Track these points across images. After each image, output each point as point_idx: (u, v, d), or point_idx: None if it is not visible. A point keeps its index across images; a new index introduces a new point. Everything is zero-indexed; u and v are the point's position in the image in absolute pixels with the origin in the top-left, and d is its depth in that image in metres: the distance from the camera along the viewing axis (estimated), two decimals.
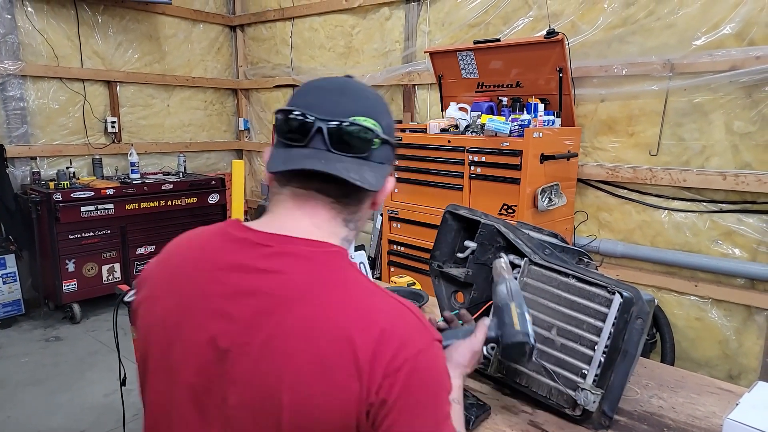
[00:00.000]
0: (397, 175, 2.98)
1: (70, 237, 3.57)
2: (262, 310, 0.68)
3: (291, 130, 0.74)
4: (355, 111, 0.74)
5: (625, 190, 2.84)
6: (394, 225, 3.04)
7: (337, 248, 0.75)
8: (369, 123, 0.74)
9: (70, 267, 3.59)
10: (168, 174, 4.45)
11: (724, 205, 2.56)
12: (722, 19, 2.45)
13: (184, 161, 4.49)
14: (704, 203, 2.61)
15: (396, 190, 3.01)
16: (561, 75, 2.66)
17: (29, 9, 3.77)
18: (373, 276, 1.95)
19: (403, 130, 3.01)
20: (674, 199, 2.69)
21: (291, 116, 0.74)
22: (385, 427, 0.64)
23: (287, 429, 0.65)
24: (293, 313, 0.66)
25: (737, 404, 0.93)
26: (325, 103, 0.75)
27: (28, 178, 3.83)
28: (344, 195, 0.76)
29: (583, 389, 1.03)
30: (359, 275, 0.73)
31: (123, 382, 2.03)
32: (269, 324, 0.67)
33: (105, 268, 3.77)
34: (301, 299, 0.67)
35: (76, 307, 3.66)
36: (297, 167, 0.72)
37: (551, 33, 2.57)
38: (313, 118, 0.73)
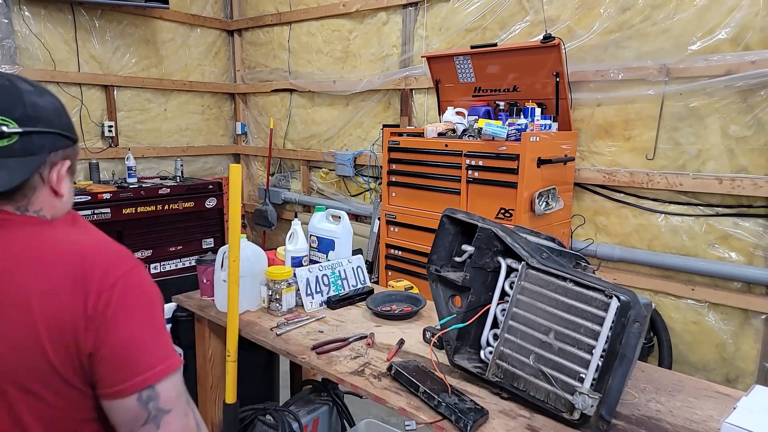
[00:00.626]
0: (394, 179, 2.99)
1: None
2: None
3: None
4: None
5: (622, 194, 2.85)
6: (392, 229, 3.04)
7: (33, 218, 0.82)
8: None
9: None
10: (165, 178, 4.44)
11: (720, 209, 2.57)
12: (717, 24, 2.47)
13: (182, 165, 4.49)
14: (700, 207, 2.62)
15: (393, 194, 3.01)
16: (558, 79, 2.67)
17: (26, 13, 3.77)
18: (370, 280, 1.95)
19: (400, 134, 3.02)
20: (671, 203, 2.70)
21: None
22: (107, 337, 0.76)
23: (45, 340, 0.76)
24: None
25: (735, 408, 0.93)
26: None
27: None
28: (6, 195, 0.80)
29: (580, 393, 1.03)
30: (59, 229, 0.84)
31: None
32: None
33: None
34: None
35: None
36: None
37: (548, 38, 2.58)
38: None
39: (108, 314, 0.77)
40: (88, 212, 3.60)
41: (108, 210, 3.70)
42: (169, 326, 1.80)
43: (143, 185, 4.01)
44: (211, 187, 4.33)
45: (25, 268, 0.76)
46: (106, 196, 3.70)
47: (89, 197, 3.62)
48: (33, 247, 0.79)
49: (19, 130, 0.76)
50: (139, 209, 3.87)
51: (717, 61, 2.46)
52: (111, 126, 4.22)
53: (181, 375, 0.84)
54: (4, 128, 0.75)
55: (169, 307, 1.80)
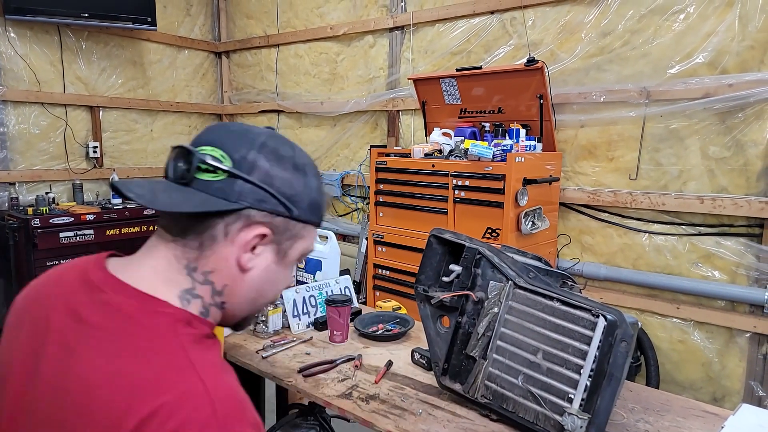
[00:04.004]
0: (382, 199, 2.99)
1: (48, 264, 3.49)
2: (55, 361, 0.62)
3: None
4: (207, 141, 0.68)
5: (607, 214, 2.89)
6: (379, 249, 3.03)
7: (170, 311, 0.64)
8: (215, 152, 0.67)
9: None
10: None
11: (702, 228, 2.61)
12: (695, 48, 2.54)
13: None
14: (683, 226, 2.66)
15: (381, 214, 3.02)
16: (541, 101, 2.71)
17: (12, 35, 3.75)
18: (358, 301, 1.93)
19: (387, 155, 3.03)
20: (654, 222, 2.74)
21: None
22: None
23: None
24: (80, 380, 0.60)
25: (722, 428, 0.93)
26: (215, 136, 0.69)
27: (6, 204, 3.76)
28: (182, 231, 0.67)
29: (569, 414, 1.03)
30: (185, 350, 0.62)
31: None
32: (60, 383, 0.61)
33: None
34: (100, 357, 0.60)
35: None
36: (124, 191, 0.66)
37: (531, 61, 2.64)
38: (180, 146, 0.68)
39: None
40: (71, 234, 3.55)
41: (91, 231, 3.64)
42: None
43: (128, 206, 3.97)
44: None
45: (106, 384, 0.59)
46: (90, 217, 3.65)
47: (72, 218, 3.56)
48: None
49: (229, 169, 0.66)
50: (123, 230, 3.82)
51: (695, 84, 2.52)
52: (96, 147, 4.19)
53: None
54: (217, 163, 0.65)
55: None
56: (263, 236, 0.68)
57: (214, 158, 0.66)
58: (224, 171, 0.66)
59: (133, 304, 0.63)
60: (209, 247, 0.67)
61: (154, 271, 0.67)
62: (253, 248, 0.69)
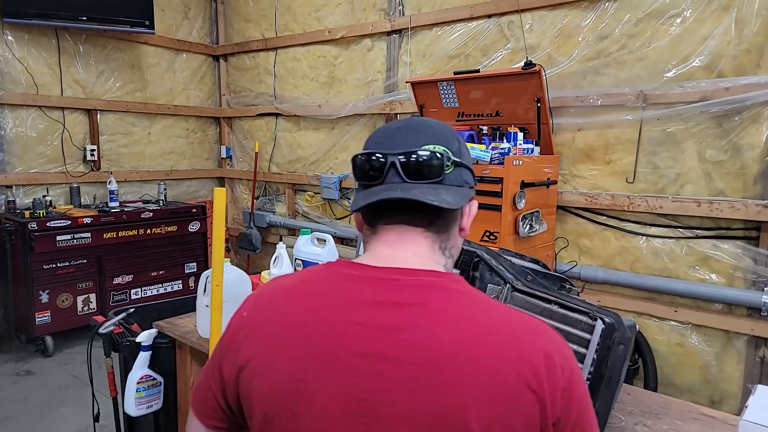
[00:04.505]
0: None
1: (45, 267, 3.48)
2: (414, 343, 0.67)
3: (366, 171, 0.78)
4: (423, 141, 0.78)
5: (604, 217, 2.89)
6: None
7: (456, 276, 0.76)
8: (438, 149, 0.77)
9: (44, 298, 3.49)
10: (148, 202, 4.39)
11: (699, 231, 2.61)
12: (691, 52, 2.55)
13: (165, 189, 4.45)
14: (680, 229, 2.67)
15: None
16: (539, 105, 2.72)
17: (9, 38, 3.75)
18: None
19: None
20: (651, 225, 2.74)
21: (363, 158, 0.78)
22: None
23: None
24: (451, 343, 0.66)
25: (746, 407, 1.01)
26: (394, 140, 0.79)
27: (3, 207, 3.75)
28: (431, 222, 0.78)
29: None
30: (492, 300, 0.78)
31: (96, 418, 1.96)
32: (427, 356, 0.66)
33: (80, 298, 3.67)
34: (454, 326, 0.68)
35: (48, 340, 3.54)
36: (376, 199, 0.74)
37: (529, 64, 2.64)
38: (383, 154, 0.77)
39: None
40: (68, 237, 3.54)
41: (88, 235, 3.64)
42: (149, 353, 1.76)
43: (125, 209, 3.97)
44: (194, 210, 4.29)
45: (516, 333, 0.70)
46: (87, 220, 3.65)
47: (69, 222, 3.56)
48: (504, 312, 0.74)
49: (457, 160, 0.79)
50: (121, 233, 3.82)
51: (692, 88, 2.53)
52: (93, 150, 4.18)
53: None
54: (449, 155, 0.78)
55: (150, 334, 1.76)
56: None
57: (443, 152, 0.78)
58: (453, 163, 0.79)
59: (437, 279, 0.74)
60: (450, 228, 0.81)
61: (420, 257, 0.77)
62: None
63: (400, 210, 0.77)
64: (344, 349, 0.69)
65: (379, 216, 0.79)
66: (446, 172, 0.77)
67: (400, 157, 0.76)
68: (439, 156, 0.76)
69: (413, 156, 0.76)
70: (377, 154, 0.77)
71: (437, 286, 0.72)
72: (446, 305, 0.70)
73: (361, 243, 0.88)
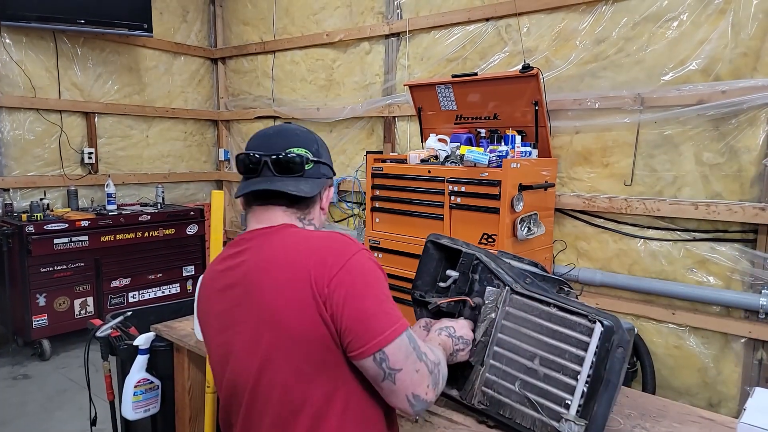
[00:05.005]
0: (378, 205, 3.00)
1: (42, 270, 3.47)
2: (249, 264, 1.02)
3: (246, 166, 1.06)
4: (290, 144, 1.07)
5: (602, 220, 2.90)
6: (376, 255, 3.03)
7: (288, 223, 1.06)
8: (300, 151, 1.07)
9: (41, 301, 3.48)
10: (146, 205, 4.38)
11: (697, 233, 2.62)
12: (688, 56, 2.56)
13: (163, 192, 4.44)
14: (678, 232, 2.67)
15: (377, 220, 3.02)
16: (537, 108, 2.73)
17: (7, 41, 3.75)
18: None
19: (383, 161, 3.04)
20: (649, 228, 2.75)
21: (243, 157, 1.06)
22: (342, 319, 0.93)
23: (290, 335, 0.96)
24: (269, 260, 1.00)
25: (744, 409, 1.03)
26: (268, 143, 1.08)
27: (0, 210, 3.74)
28: (293, 202, 1.07)
29: (567, 420, 1.02)
30: (313, 232, 1.06)
31: (93, 422, 1.95)
32: (252, 280, 1.00)
33: (77, 302, 3.66)
34: (269, 252, 1.01)
35: (45, 344, 3.53)
36: (250, 189, 1.05)
37: (526, 68, 2.65)
38: (260, 155, 1.05)
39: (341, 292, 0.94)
40: (65, 240, 3.53)
41: (86, 238, 3.63)
42: (146, 357, 1.75)
43: (123, 212, 3.96)
44: (192, 213, 4.28)
45: (305, 250, 0.99)
46: (84, 223, 3.64)
47: (66, 225, 3.55)
48: (307, 238, 1.02)
49: (315, 159, 1.09)
50: (118, 236, 3.81)
51: (689, 91, 2.54)
52: (91, 153, 4.18)
53: (409, 336, 0.97)
54: (308, 156, 1.07)
55: (147, 337, 1.76)
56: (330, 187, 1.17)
57: (304, 153, 1.07)
58: (313, 161, 1.08)
59: (268, 229, 1.06)
60: (310, 206, 1.11)
61: (276, 222, 1.06)
62: None
63: (268, 196, 1.05)
64: (212, 292, 1.09)
65: (255, 199, 1.07)
66: (307, 168, 1.07)
67: (272, 156, 1.05)
68: (300, 157, 1.05)
69: (280, 156, 1.04)
70: (256, 154, 1.05)
71: (275, 230, 1.04)
72: (277, 238, 1.02)
73: (244, 219, 1.21)
